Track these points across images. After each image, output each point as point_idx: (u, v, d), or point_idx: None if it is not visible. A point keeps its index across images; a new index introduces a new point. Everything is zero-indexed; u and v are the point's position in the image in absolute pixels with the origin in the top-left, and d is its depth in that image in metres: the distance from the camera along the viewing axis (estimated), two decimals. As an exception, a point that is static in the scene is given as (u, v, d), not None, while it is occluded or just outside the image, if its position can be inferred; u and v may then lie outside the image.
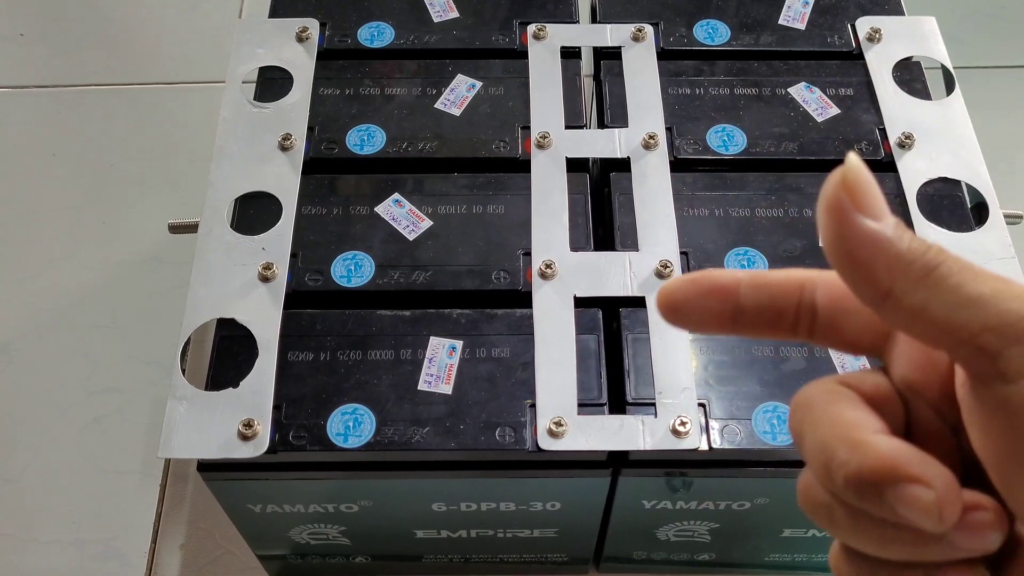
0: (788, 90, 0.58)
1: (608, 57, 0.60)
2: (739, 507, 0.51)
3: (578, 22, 0.62)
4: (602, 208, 0.55)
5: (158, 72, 0.87)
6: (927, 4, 0.93)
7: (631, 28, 0.60)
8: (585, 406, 0.47)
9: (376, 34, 0.61)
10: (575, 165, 0.55)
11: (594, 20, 0.63)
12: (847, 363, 0.48)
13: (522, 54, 0.60)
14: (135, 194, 0.80)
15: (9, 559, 0.63)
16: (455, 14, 0.62)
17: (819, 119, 0.57)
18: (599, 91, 0.59)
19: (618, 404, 0.48)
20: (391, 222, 0.53)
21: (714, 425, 0.46)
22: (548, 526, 0.54)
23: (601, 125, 0.58)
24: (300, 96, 0.58)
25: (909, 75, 0.59)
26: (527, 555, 0.59)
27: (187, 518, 0.64)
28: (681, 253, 0.52)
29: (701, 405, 0.47)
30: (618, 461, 0.48)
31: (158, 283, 0.74)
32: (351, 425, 0.46)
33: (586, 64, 0.61)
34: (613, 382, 0.48)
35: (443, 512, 0.52)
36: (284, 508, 0.51)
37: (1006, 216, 0.55)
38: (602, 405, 0.47)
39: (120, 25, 0.91)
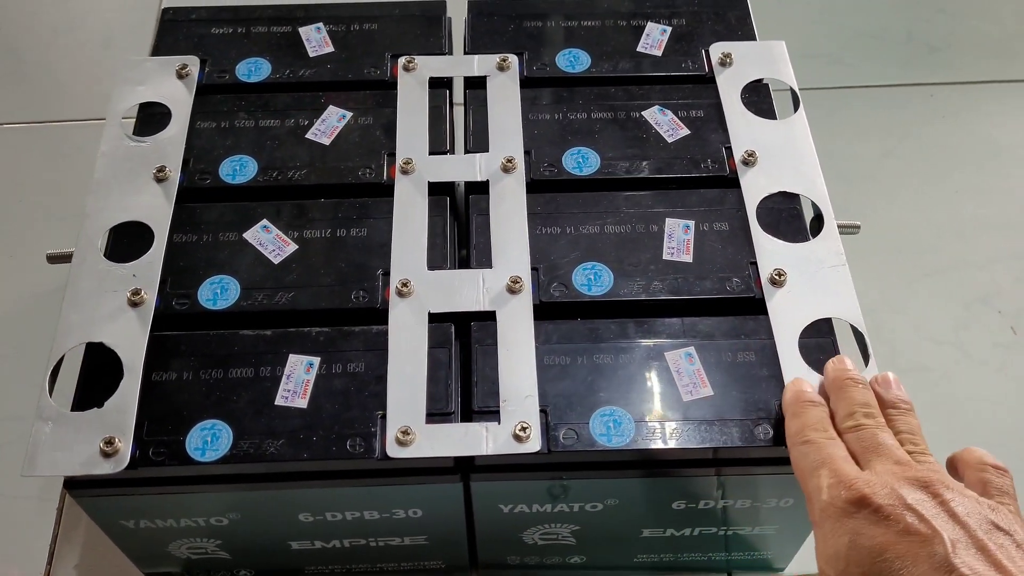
0: (642, 113, 0.62)
1: (476, 86, 0.63)
2: (592, 508, 0.54)
3: (451, 54, 0.65)
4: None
5: (69, 110, 0.90)
6: (813, 25, 0.97)
7: (496, 58, 0.63)
8: (434, 415, 0.49)
9: (254, 69, 0.64)
10: (439, 189, 0.58)
11: (466, 52, 0.67)
12: (682, 368, 0.51)
13: (392, 85, 0.63)
14: (42, 229, 0.82)
15: (-93, 586, 0.64)
16: (330, 48, 0.65)
17: (670, 140, 0.61)
18: (465, 118, 0.63)
19: (467, 413, 0.50)
20: (258, 247, 0.55)
21: (554, 430, 0.49)
22: (416, 533, 0.56)
23: (466, 151, 0.61)
24: (177, 130, 0.60)
25: (757, 97, 0.63)
26: (405, 564, 0.61)
27: (83, 540, 0.66)
28: (532, 269, 0.54)
29: (543, 411, 0.49)
30: (466, 467, 0.51)
31: (62, 314, 0.76)
32: (209, 440, 0.48)
33: (460, 94, 0.64)
34: (465, 393, 0.51)
35: (311, 522, 0.54)
36: (157, 523, 0.53)
37: (845, 226, 0.58)
38: (451, 414, 0.50)
39: (32, 64, 0.94)
